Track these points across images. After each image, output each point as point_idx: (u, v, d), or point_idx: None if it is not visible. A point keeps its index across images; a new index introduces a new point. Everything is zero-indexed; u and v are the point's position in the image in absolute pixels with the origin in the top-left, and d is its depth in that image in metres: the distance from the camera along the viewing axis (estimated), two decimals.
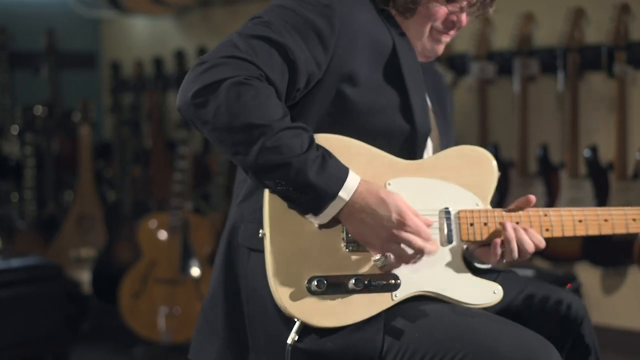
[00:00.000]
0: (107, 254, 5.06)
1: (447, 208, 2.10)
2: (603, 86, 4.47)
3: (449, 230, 2.09)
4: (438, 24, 2.19)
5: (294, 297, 1.97)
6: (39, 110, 5.64)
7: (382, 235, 1.95)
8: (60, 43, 6.11)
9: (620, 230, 2.18)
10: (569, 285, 3.87)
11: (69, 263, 5.20)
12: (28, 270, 4.30)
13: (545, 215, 2.15)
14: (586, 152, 4.39)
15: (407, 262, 1.99)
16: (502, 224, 2.12)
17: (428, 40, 2.21)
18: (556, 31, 4.56)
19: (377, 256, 1.98)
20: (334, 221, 1.99)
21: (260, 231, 2.01)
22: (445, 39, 2.23)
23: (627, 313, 4.54)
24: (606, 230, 2.17)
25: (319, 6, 2.04)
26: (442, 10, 2.18)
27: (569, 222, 2.16)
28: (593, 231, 2.17)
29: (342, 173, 1.94)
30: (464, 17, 2.21)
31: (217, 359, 2.16)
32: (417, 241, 1.95)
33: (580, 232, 2.16)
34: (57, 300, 4.37)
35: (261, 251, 2.01)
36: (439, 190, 2.10)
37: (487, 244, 2.15)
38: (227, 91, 1.89)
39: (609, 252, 4.37)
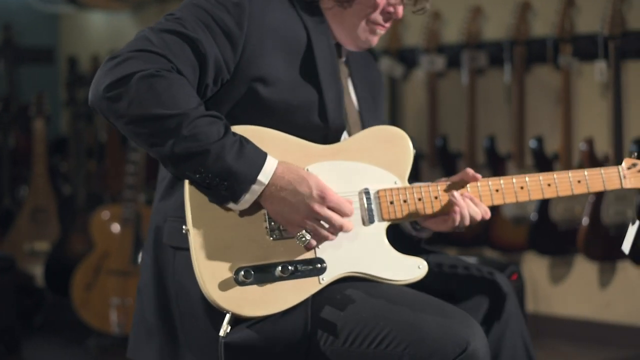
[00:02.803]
0: (61, 247, 5.05)
1: (366, 188, 2.13)
2: (549, 78, 4.54)
3: (370, 210, 2.12)
4: (375, 15, 2.20)
5: (222, 290, 1.99)
6: None
7: (302, 211, 1.98)
8: (18, 38, 6.10)
9: (536, 196, 2.22)
10: (514, 277, 3.93)
11: (22, 256, 5.20)
12: None
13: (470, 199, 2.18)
14: (532, 143, 4.45)
15: (326, 239, 2.02)
16: (452, 194, 2.15)
17: (363, 31, 2.22)
18: (504, 25, 4.63)
19: (299, 234, 2.00)
20: (256, 207, 2.01)
21: (184, 227, 2.02)
22: (381, 30, 2.24)
23: (574, 302, 4.60)
24: (523, 197, 2.22)
25: (229, 5, 2.06)
26: (381, 1, 2.19)
27: (486, 192, 2.21)
28: (510, 199, 2.22)
29: (260, 157, 1.97)
30: (400, 9, 2.22)
31: (155, 358, 2.17)
32: (337, 218, 2.00)
33: (498, 201, 2.21)
34: (9, 293, 4.37)
35: (186, 249, 2.03)
36: (357, 172, 2.13)
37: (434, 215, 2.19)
38: (138, 83, 1.91)
39: (554, 241, 4.44)
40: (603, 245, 4.27)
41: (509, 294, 2.30)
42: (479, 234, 4.62)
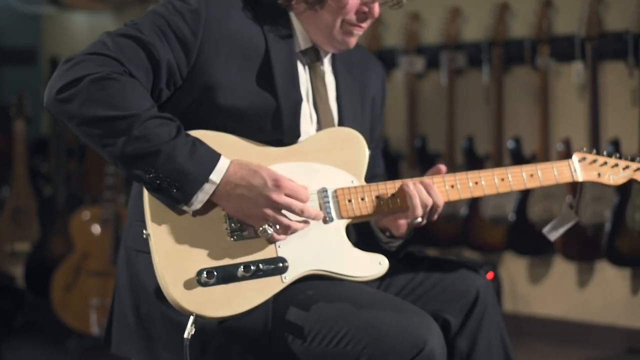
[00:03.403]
0: (41, 248, 5.05)
1: (324, 188, 2.16)
2: (527, 79, 4.56)
3: (328, 208, 2.15)
4: (350, 16, 2.20)
5: (186, 292, 2.00)
6: None
7: (261, 203, 2.01)
8: (0, 39, 6.09)
9: (491, 191, 2.26)
10: (491, 276, 3.96)
11: (3, 257, 5.19)
12: None
13: (421, 183, 2.21)
14: (510, 144, 4.48)
15: (289, 228, 2.05)
16: (403, 183, 2.18)
17: (338, 32, 2.22)
18: (482, 26, 4.65)
19: (261, 228, 2.03)
20: (214, 209, 2.04)
21: (144, 232, 2.04)
22: (358, 31, 2.24)
23: (553, 301, 4.62)
24: (477, 193, 2.26)
25: (186, 12, 2.10)
26: (354, 1, 2.19)
27: (442, 189, 2.24)
28: (466, 195, 2.26)
29: (213, 157, 2.00)
30: (376, 9, 2.21)
31: (137, 353, 2.21)
32: (297, 204, 2.03)
33: (454, 196, 2.25)
34: None
35: (147, 252, 2.05)
36: (314, 172, 2.16)
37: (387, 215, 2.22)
38: (90, 85, 1.95)
39: (532, 242, 4.46)
40: (580, 246, 4.30)
41: (485, 288, 2.33)
42: (457, 234, 4.65)
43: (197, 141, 2.00)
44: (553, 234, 2.45)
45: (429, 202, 2.19)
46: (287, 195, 2.02)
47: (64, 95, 1.95)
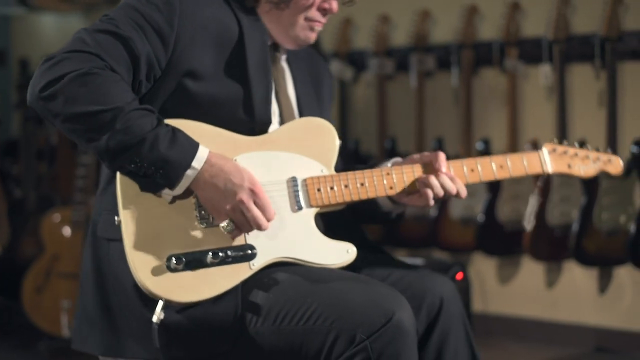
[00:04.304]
0: (11, 250, 5.03)
1: (294, 177, 2.20)
2: (496, 81, 4.60)
3: (297, 197, 2.19)
4: (312, 12, 2.28)
5: (154, 277, 2.04)
6: None
7: (230, 200, 2.05)
8: None
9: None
10: (460, 276, 3.99)
11: None
12: None
13: (388, 174, 2.27)
14: (479, 145, 4.51)
15: (247, 232, 2.09)
16: (422, 177, 2.26)
17: (302, 29, 2.30)
18: (452, 28, 4.69)
19: (224, 222, 2.07)
20: (186, 196, 2.08)
21: (116, 218, 2.09)
22: (318, 27, 2.32)
23: (522, 301, 4.67)
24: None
25: (160, 4, 2.14)
26: None
27: (411, 181, 2.30)
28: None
29: (192, 145, 2.04)
30: (335, 4, 2.30)
31: (100, 347, 2.22)
32: (260, 216, 2.07)
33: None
34: None
35: (119, 240, 2.08)
36: (284, 161, 2.20)
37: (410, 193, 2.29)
38: (73, 82, 1.98)
39: (501, 242, 4.50)
40: (549, 246, 4.34)
41: (450, 296, 2.35)
42: (427, 235, 4.68)
43: (176, 129, 2.04)
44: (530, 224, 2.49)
45: (441, 191, 2.27)
46: (256, 204, 2.06)
47: (47, 93, 1.98)
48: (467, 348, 2.35)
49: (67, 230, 4.68)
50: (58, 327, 4.58)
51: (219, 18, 2.21)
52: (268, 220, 2.08)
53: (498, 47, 4.52)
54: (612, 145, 4.09)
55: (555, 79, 4.31)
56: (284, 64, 2.40)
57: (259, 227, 2.07)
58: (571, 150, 2.45)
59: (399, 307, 2.04)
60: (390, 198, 2.36)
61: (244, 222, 2.07)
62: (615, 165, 2.51)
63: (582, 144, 2.49)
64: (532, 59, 4.45)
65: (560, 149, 2.43)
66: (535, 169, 2.39)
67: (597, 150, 2.51)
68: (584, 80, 4.33)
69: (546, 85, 4.41)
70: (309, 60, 2.50)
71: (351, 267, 2.23)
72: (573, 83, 4.37)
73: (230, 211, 2.06)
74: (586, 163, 2.46)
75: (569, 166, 2.44)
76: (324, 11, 2.30)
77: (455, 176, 2.29)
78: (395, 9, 4.89)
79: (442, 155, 2.29)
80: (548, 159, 2.41)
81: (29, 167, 5.36)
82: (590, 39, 4.25)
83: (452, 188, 2.27)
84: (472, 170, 2.32)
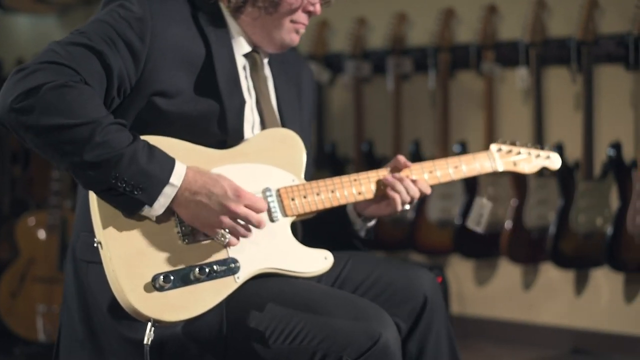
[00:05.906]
0: None
1: (267, 188, 2.21)
2: (472, 84, 4.61)
3: (274, 207, 2.21)
4: (298, 15, 2.30)
5: (142, 298, 2.00)
6: None
7: (219, 211, 2.04)
8: None
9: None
10: (439, 280, 3.99)
11: None
12: None
13: (355, 180, 2.32)
14: (456, 148, 4.52)
15: (244, 236, 2.09)
16: (385, 178, 2.32)
17: (288, 32, 2.31)
18: (428, 31, 4.69)
19: (218, 235, 2.06)
20: (165, 215, 2.05)
21: (95, 240, 2.04)
22: (302, 29, 2.34)
23: (499, 303, 4.68)
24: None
25: (132, 20, 2.11)
26: (303, 2, 2.29)
27: (378, 185, 2.36)
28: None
29: (169, 161, 2.02)
30: (318, 6, 2.33)
31: None
32: (254, 215, 2.07)
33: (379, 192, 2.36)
34: None
35: (97, 262, 2.04)
36: (256, 173, 2.21)
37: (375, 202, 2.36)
38: (48, 94, 1.93)
39: (478, 245, 4.51)
40: (526, 248, 4.37)
41: (433, 291, 2.37)
42: (404, 238, 4.68)
43: (152, 145, 2.02)
44: (481, 226, 2.57)
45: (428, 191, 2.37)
46: (245, 206, 2.06)
47: (20, 105, 1.92)
48: (448, 344, 2.37)
49: (42, 234, 4.65)
50: (34, 332, 4.55)
51: (189, 35, 2.20)
52: (261, 212, 2.09)
53: (475, 50, 4.53)
54: (589, 148, 4.11)
55: (532, 82, 4.33)
56: (267, 72, 2.40)
57: (257, 225, 2.08)
58: (515, 149, 2.55)
59: (385, 328, 2.06)
60: (359, 214, 2.40)
61: (238, 229, 2.07)
62: (555, 161, 2.62)
63: (523, 144, 2.59)
64: (508, 62, 4.47)
65: (505, 147, 2.54)
66: (487, 168, 2.49)
67: (537, 147, 2.60)
68: (560, 83, 4.35)
69: (523, 88, 4.43)
70: (290, 64, 2.50)
71: (332, 269, 2.26)
72: (549, 86, 4.39)
73: (222, 222, 2.05)
74: (529, 160, 2.57)
75: (515, 164, 2.55)
76: (308, 13, 2.32)
77: (418, 177, 2.35)
78: (372, 11, 4.89)
79: (401, 159, 2.36)
80: (497, 158, 2.51)
81: (3, 171, 5.31)
82: (566, 42, 4.27)
83: (415, 190, 2.33)
84: (431, 172, 2.40)
